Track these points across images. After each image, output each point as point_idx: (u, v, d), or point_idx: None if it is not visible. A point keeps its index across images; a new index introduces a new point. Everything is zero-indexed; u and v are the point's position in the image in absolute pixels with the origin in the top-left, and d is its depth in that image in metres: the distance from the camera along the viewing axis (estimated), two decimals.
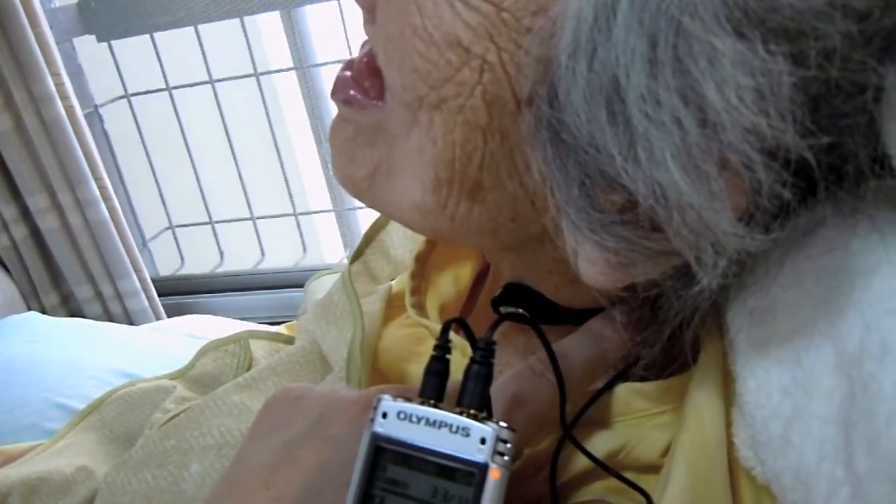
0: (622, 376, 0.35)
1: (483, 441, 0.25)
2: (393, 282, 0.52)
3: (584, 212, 0.27)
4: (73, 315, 1.35)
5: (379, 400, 0.26)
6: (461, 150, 0.30)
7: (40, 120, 1.19)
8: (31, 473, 0.50)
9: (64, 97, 1.21)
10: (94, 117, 1.41)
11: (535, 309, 0.37)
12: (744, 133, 0.22)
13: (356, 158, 0.34)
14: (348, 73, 0.33)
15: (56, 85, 1.20)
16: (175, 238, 1.54)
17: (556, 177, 0.27)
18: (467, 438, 0.25)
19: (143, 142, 1.44)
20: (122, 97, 1.43)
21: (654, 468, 0.33)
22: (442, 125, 0.29)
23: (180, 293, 1.46)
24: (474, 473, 0.25)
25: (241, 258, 1.52)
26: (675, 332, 0.32)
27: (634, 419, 0.34)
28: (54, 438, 0.58)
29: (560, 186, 0.27)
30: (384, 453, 0.26)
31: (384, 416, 0.26)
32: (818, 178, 0.24)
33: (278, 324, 0.69)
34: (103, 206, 1.27)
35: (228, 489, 0.31)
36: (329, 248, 1.63)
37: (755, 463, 0.28)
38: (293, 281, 1.36)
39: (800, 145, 0.23)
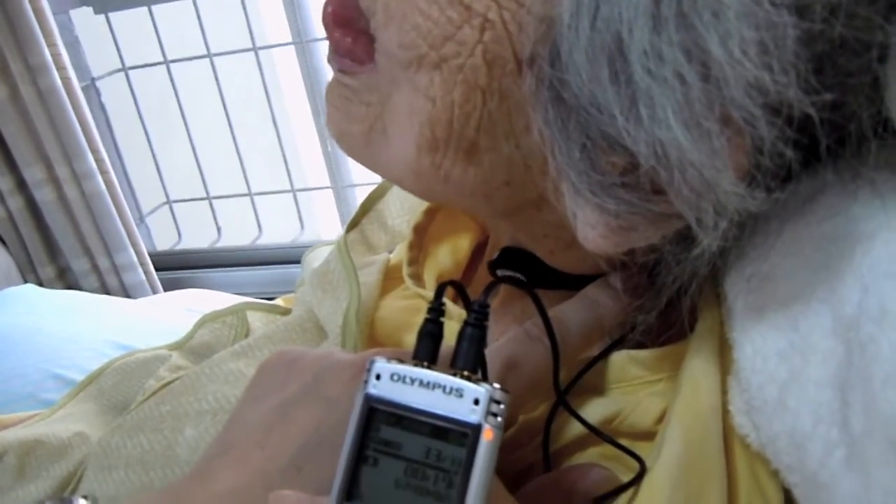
0: (618, 343, 0.35)
1: (476, 402, 0.25)
2: (391, 254, 0.52)
3: (585, 174, 0.27)
4: (69, 288, 1.35)
5: (372, 362, 0.26)
6: (460, 110, 0.29)
7: (37, 91, 1.19)
8: (27, 435, 0.51)
9: (60, 68, 1.20)
10: (91, 90, 1.40)
11: (532, 274, 0.37)
12: (747, 88, 0.22)
13: (351, 114, 0.33)
14: (330, 36, 0.33)
15: (52, 56, 1.19)
16: (172, 213, 1.54)
17: (556, 138, 0.27)
18: (460, 399, 0.25)
19: (140, 116, 1.44)
20: (119, 70, 1.42)
21: (648, 435, 0.33)
22: (441, 85, 0.29)
23: (177, 268, 1.46)
24: (467, 434, 0.25)
25: (238, 234, 1.51)
26: (672, 300, 0.32)
27: (630, 386, 0.34)
28: (53, 408, 0.58)
29: (561, 148, 0.27)
30: (377, 414, 0.26)
31: (377, 377, 0.26)
32: (820, 137, 0.24)
33: (275, 299, 0.69)
34: (100, 178, 1.27)
35: (223, 449, 0.31)
36: (326, 224, 1.63)
37: (749, 430, 0.28)
38: (290, 257, 1.36)
39: (803, 101, 0.22)
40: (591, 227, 0.28)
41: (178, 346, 0.60)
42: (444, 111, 0.29)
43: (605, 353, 0.35)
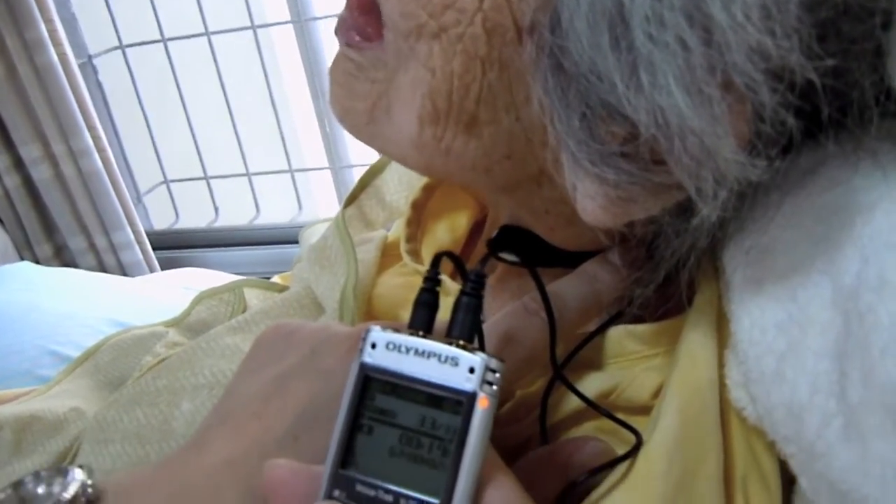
0: (616, 318, 0.34)
1: (472, 370, 0.25)
2: (389, 232, 0.52)
3: (585, 144, 0.27)
4: (66, 266, 1.34)
5: (368, 331, 0.26)
6: (459, 81, 0.29)
7: (33, 67, 1.18)
8: (23, 411, 0.51)
9: (57, 44, 1.20)
10: (88, 68, 1.39)
11: (531, 251, 0.37)
12: (749, 52, 0.22)
13: (355, 91, 0.33)
14: (348, 14, 0.32)
15: (49, 32, 1.18)
16: (170, 192, 1.54)
17: (556, 107, 0.27)
18: (456, 368, 0.25)
19: (137, 94, 1.43)
20: (116, 48, 1.41)
21: (645, 410, 0.33)
22: (441, 55, 0.29)
23: (175, 247, 1.46)
24: (462, 402, 0.24)
25: (236, 214, 1.51)
26: (671, 274, 0.32)
27: (627, 361, 0.34)
28: (50, 384, 0.58)
29: (560, 117, 0.27)
30: (373, 383, 0.26)
31: (373, 346, 0.26)
32: (822, 104, 0.24)
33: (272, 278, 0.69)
34: (97, 156, 1.27)
35: (220, 420, 0.31)
36: (324, 204, 1.63)
37: (746, 403, 0.28)
38: (288, 237, 1.36)
39: (805, 67, 0.22)
40: (591, 199, 0.28)
41: (174, 323, 0.60)
42: (444, 82, 0.29)
43: (602, 328, 0.35)
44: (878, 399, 0.22)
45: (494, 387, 0.25)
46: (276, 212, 1.51)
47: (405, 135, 0.31)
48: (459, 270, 0.28)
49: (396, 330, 0.26)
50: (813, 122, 0.25)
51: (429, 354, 0.25)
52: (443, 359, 0.25)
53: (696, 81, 0.23)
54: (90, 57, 1.40)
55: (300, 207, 1.51)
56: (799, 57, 0.22)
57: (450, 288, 0.39)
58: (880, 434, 0.22)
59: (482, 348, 0.28)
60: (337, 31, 0.33)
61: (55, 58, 1.19)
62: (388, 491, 0.25)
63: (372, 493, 0.25)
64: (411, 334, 0.26)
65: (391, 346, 0.26)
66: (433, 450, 0.25)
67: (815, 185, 0.28)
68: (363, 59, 0.32)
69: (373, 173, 0.53)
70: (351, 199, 0.52)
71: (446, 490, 0.24)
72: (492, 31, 0.28)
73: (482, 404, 0.24)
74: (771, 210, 0.29)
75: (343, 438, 0.26)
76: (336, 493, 0.25)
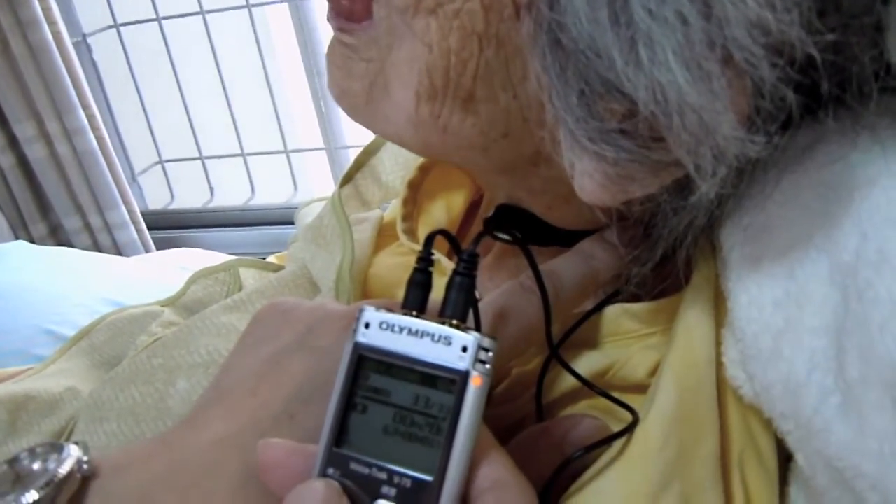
0: (613, 297, 0.34)
1: (464, 349, 0.25)
2: (385, 212, 0.52)
3: (583, 121, 0.26)
4: (61, 246, 1.34)
5: (361, 311, 0.26)
6: (456, 58, 0.29)
7: (27, 45, 1.17)
8: (19, 390, 0.50)
9: (51, 23, 1.19)
10: (83, 47, 1.38)
11: (527, 230, 0.37)
12: (749, 27, 0.21)
13: (353, 72, 0.33)
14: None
15: (43, 10, 1.17)
16: (165, 172, 1.53)
17: (554, 84, 0.27)
18: (449, 347, 0.25)
19: (132, 73, 1.42)
20: (111, 27, 1.40)
21: (641, 388, 0.33)
22: (438, 30, 0.28)
23: (170, 227, 1.46)
24: (455, 381, 0.25)
25: (231, 194, 1.51)
26: (668, 253, 0.32)
27: (623, 340, 0.34)
28: (45, 363, 0.58)
29: (559, 94, 0.27)
30: (366, 362, 0.26)
31: (367, 326, 0.26)
32: (822, 79, 0.24)
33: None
34: (91, 135, 1.26)
35: (216, 397, 0.31)
36: (320, 185, 1.62)
37: (743, 381, 0.28)
38: (283, 217, 1.36)
39: (805, 41, 0.22)
40: (589, 177, 0.28)
41: (170, 303, 0.60)
42: (441, 58, 0.29)
43: (599, 307, 0.35)
44: (877, 375, 0.22)
45: (487, 365, 0.25)
46: (271, 192, 1.51)
47: (403, 112, 0.31)
48: (455, 249, 0.28)
49: (390, 310, 0.26)
50: (812, 98, 0.25)
51: (422, 334, 0.25)
52: (436, 338, 0.25)
53: (695, 57, 0.22)
54: (84, 35, 1.39)
55: (295, 188, 1.50)
56: (799, 31, 0.22)
57: (445, 267, 0.39)
58: (878, 410, 0.22)
59: (477, 327, 0.28)
60: (328, 19, 0.33)
61: (49, 36, 1.18)
62: (381, 469, 0.25)
63: (366, 471, 0.25)
64: (405, 314, 0.26)
65: (384, 326, 0.26)
66: (427, 428, 0.25)
67: (814, 162, 0.27)
68: (356, 40, 0.32)
69: (368, 153, 0.53)
70: (347, 179, 0.52)
71: (440, 468, 0.24)
72: (489, 6, 0.27)
73: (475, 383, 0.24)
74: (769, 187, 0.28)
75: (337, 417, 0.26)
76: (330, 471, 0.25)
